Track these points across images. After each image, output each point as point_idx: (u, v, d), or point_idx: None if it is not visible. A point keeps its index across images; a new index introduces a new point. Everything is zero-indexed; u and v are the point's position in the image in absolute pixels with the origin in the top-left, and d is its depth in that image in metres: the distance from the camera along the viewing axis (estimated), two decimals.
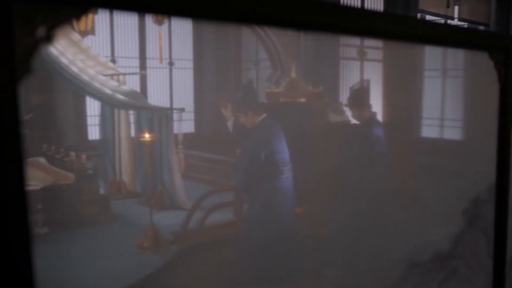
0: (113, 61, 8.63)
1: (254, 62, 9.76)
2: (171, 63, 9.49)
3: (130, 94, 6.09)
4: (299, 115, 5.13)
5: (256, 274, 4.02)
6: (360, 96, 4.43)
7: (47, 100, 7.86)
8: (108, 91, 5.89)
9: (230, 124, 4.31)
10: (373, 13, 0.94)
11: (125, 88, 6.21)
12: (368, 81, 4.64)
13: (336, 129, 4.89)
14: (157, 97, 9.24)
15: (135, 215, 5.83)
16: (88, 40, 7.36)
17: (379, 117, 7.15)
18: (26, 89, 7.78)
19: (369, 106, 4.47)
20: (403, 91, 6.85)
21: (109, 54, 8.63)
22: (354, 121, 4.56)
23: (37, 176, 5.79)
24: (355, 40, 6.74)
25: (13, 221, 0.64)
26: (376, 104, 7.20)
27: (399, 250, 3.67)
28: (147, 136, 4.61)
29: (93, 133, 8.52)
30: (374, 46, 6.96)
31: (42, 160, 6.70)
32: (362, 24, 0.87)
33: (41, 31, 0.63)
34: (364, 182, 4.37)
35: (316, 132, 4.88)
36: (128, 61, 8.88)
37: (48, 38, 0.64)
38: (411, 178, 5.28)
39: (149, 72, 9.24)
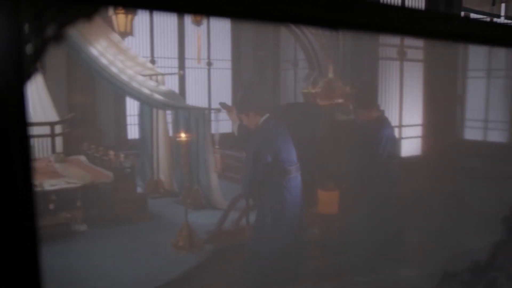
0: (153, 61, 8.75)
1: (293, 62, 9.70)
2: (209, 63, 9.54)
3: (168, 94, 6.15)
4: (305, 115, 5.06)
5: (272, 279, 3.97)
6: (367, 96, 4.35)
7: (88, 99, 8.04)
8: (146, 91, 5.96)
9: (235, 127, 4.27)
10: (414, 11, 0.90)
11: (163, 88, 6.27)
12: (374, 80, 4.58)
13: (344, 130, 4.78)
14: (195, 97, 9.31)
15: (172, 214, 5.88)
16: (128, 41, 7.49)
17: (419, 119, 6.99)
18: (68, 89, 7.98)
19: (377, 105, 4.39)
20: (445, 92, 6.65)
21: (148, 54, 8.75)
22: (362, 121, 4.46)
23: (77, 174, 5.92)
24: (395, 40, 6.59)
25: (20, 221, 0.62)
26: (417, 105, 7.03)
27: (433, 258, 3.55)
28: (183, 136, 4.63)
29: (133, 132, 8.66)
30: (415, 46, 6.78)
31: (82, 158, 6.85)
32: (402, 23, 0.83)
33: (50, 30, 0.61)
34: (382, 184, 4.27)
35: (324, 132, 4.80)
36: (167, 61, 8.99)
37: (58, 37, 0.62)
38: (450, 181, 5.13)
39: (188, 72, 9.33)
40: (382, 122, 4.33)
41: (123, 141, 8.65)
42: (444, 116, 6.72)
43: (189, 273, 4.29)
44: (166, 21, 8.82)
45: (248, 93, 4.23)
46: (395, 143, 4.35)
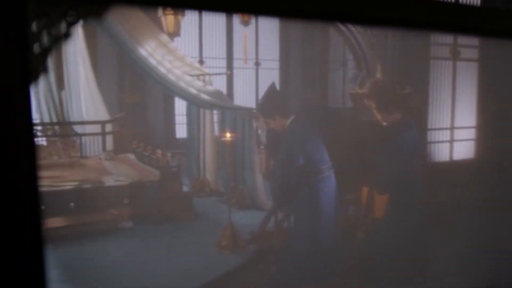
0: (201, 61, 8.84)
1: (341, 62, 9.55)
2: (257, 63, 9.54)
3: (215, 94, 6.18)
4: (330, 118, 4.94)
5: (310, 279, 3.90)
6: (386, 98, 4.20)
7: (138, 99, 8.22)
8: (193, 91, 6.02)
9: (263, 135, 4.21)
10: (469, 8, 0.85)
11: (210, 88, 6.32)
12: (394, 82, 4.41)
13: (369, 131, 4.62)
14: (242, 97, 9.33)
15: (216, 213, 5.91)
16: (176, 42, 7.60)
17: (472, 121, 6.71)
18: (120, 88, 8.18)
19: (397, 107, 4.23)
20: (502, 93, 6.35)
21: (197, 54, 8.85)
22: (384, 123, 4.31)
23: (125, 172, 6.06)
24: (448, 39, 6.35)
25: (26, 220, 0.61)
26: (470, 107, 6.75)
27: (474, 271, 3.37)
28: (228, 135, 4.64)
29: (181, 131, 8.78)
30: (469, 45, 6.51)
31: (131, 156, 7.01)
32: (456, 20, 0.78)
33: (59, 28, 0.59)
34: (410, 189, 4.11)
35: (349, 133, 4.67)
36: (216, 61, 9.05)
37: (67, 36, 0.60)
38: (504, 188, 4.88)
39: (236, 73, 9.36)
40: (403, 125, 4.19)
41: (171, 140, 8.78)
42: (500, 118, 6.41)
43: (231, 273, 4.29)
44: (214, 22, 8.89)
45: (270, 97, 4.16)
46: (419, 146, 4.18)
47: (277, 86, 9.64)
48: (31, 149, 0.59)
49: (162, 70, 5.93)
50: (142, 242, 4.97)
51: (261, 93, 9.62)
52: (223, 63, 9.15)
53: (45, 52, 0.61)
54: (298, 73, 9.82)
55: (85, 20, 0.62)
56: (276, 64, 9.80)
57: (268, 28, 9.53)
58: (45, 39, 0.61)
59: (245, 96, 9.43)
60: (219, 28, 8.99)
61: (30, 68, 0.62)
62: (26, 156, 0.59)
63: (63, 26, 0.62)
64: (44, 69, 0.61)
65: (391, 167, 4.05)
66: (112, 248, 4.78)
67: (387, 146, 4.13)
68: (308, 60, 9.74)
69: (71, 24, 0.61)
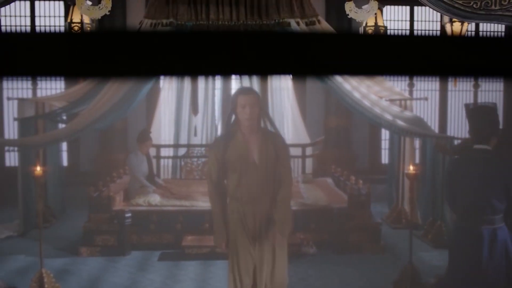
0: (411, 84, 8.43)
1: None
2: (476, 86, 8.65)
3: (413, 120, 5.79)
4: None
5: None
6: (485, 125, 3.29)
7: (343, 122, 8.22)
8: (388, 117, 5.75)
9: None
10: None
11: (407, 114, 5.96)
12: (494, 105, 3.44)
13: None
14: (455, 123, 8.56)
15: (407, 248, 5.49)
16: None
17: None
18: (326, 111, 8.31)
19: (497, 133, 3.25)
20: None
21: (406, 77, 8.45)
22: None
23: (316, 196, 6.10)
24: None
25: None
26: None
27: None
28: (411, 168, 4.27)
29: (386, 156, 8.48)
30: None
31: (329, 180, 7.03)
32: None
33: None
34: None
35: None
36: (427, 84, 8.52)
37: None
38: None
39: (451, 96, 8.67)
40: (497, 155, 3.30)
41: (375, 166, 8.54)
42: None
43: None
44: None
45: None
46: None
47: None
48: None
49: (357, 95, 5.82)
50: (323, 270, 4.91)
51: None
52: (435, 85, 8.55)
53: None
54: None
55: None
56: (499, 86, 8.72)
57: None
58: None
59: (459, 122, 8.62)
60: None
61: None
62: None
63: None
64: None
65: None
66: (291, 271, 4.84)
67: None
68: None
69: None
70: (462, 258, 3.36)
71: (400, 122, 5.79)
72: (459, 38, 0.72)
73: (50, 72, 0.58)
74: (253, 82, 6.74)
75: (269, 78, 7.02)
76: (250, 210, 3.13)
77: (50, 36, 0.58)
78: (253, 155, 3.10)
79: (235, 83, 7.42)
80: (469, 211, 3.30)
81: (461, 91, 8.63)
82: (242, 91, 3.22)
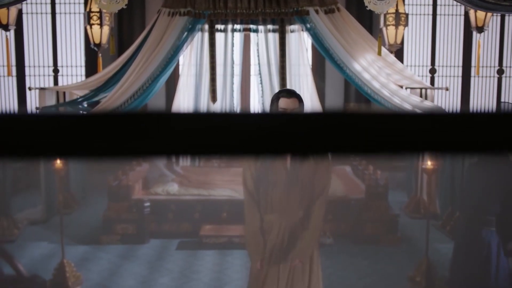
0: (433, 70, 8.28)
1: None
2: (500, 71, 8.44)
3: (432, 110, 5.71)
4: None
5: None
6: None
7: (362, 109, 8.13)
8: (408, 107, 5.68)
9: None
10: None
11: (427, 103, 5.87)
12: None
13: None
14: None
15: (425, 240, 5.47)
16: (406, 50, 7.28)
17: None
18: (345, 99, 8.24)
19: None
20: None
21: (428, 63, 8.30)
22: None
23: (334, 185, 6.07)
24: None
25: None
26: None
27: None
28: (428, 164, 4.22)
29: None
30: None
31: (348, 169, 6.99)
32: None
33: None
34: None
35: None
36: (449, 70, 8.35)
37: None
38: None
39: (474, 81, 8.48)
40: None
41: None
42: None
43: None
44: (449, 29, 8.21)
45: None
46: None
47: None
48: None
49: (376, 85, 5.76)
50: (339, 261, 4.92)
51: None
52: (458, 71, 8.37)
53: None
54: None
55: None
56: None
57: None
58: None
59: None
60: (455, 35, 8.25)
61: None
62: None
63: None
64: None
65: None
66: None
67: None
68: None
69: None
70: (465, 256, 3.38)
71: (419, 112, 5.71)
72: None
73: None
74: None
75: None
76: (277, 225, 2.78)
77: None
78: (287, 165, 2.79)
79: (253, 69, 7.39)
80: (474, 211, 3.31)
81: (485, 77, 8.43)
82: (283, 93, 2.82)
